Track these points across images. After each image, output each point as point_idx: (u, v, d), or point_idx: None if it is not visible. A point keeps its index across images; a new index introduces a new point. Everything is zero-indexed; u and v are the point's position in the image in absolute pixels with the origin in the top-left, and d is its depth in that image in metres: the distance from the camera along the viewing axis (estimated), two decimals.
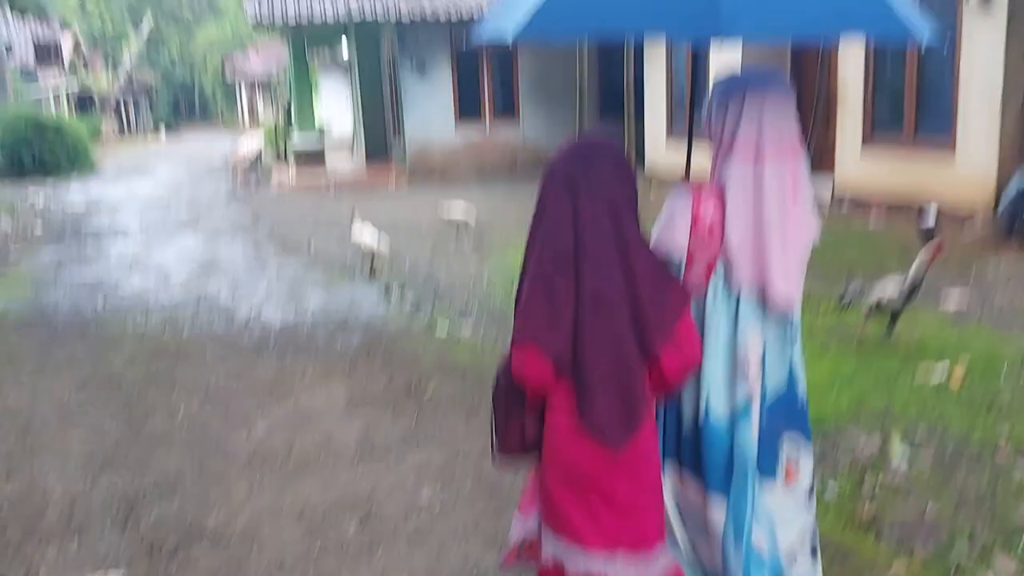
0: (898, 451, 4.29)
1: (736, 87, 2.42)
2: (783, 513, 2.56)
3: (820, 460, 4.06)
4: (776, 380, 2.52)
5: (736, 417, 2.48)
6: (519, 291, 2.30)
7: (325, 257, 10.37)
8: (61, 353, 6.74)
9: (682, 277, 2.44)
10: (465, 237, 10.95)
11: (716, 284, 2.44)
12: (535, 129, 19.27)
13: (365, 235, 9.23)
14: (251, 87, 54.54)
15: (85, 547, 3.81)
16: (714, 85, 2.51)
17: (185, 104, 59.52)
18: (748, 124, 2.36)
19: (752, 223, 2.37)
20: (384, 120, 22.00)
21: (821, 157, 13.00)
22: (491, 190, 16.36)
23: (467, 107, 19.14)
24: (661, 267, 2.29)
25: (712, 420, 2.49)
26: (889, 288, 5.77)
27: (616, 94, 19.25)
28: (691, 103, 3.87)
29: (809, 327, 5.62)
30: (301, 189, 18.17)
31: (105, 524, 4.01)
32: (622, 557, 2.29)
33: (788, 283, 2.40)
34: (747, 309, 2.43)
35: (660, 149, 15.75)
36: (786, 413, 2.54)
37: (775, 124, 2.36)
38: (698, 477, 2.58)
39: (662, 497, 2.42)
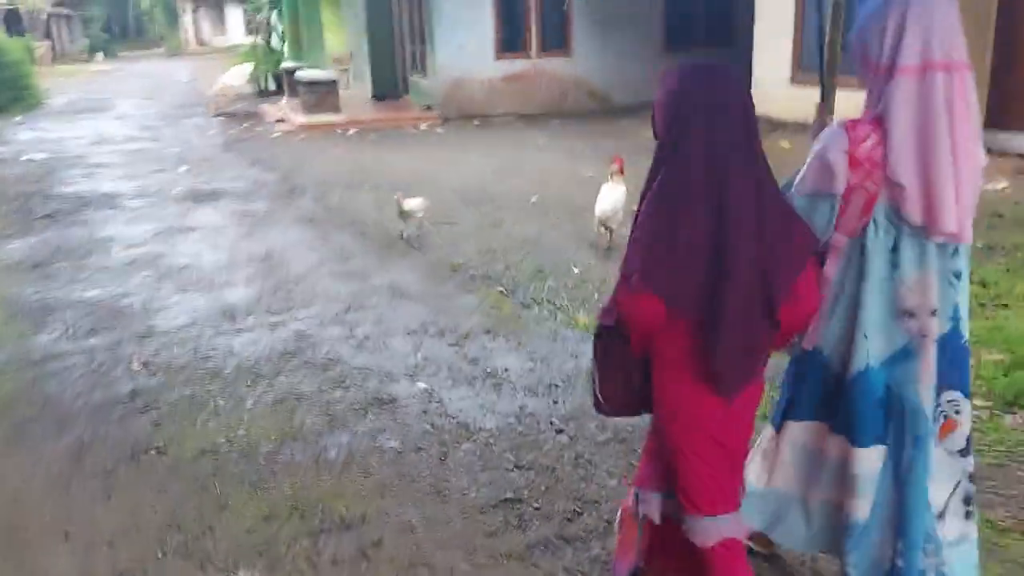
0: None
1: (893, 3, 2.04)
2: (933, 470, 2.23)
3: None
4: (940, 323, 2.15)
5: (895, 361, 2.16)
6: (637, 226, 2.05)
7: (438, 255, 6.87)
8: (111, 520, 3.28)
9: (835, 220, 2.15)
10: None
11: (876, 219, 2.10)
12: (590, 63, 15.71)
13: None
14: (195, 3, 49.00)
15: None
16: (863, 12, 2.12)
17: (119, 24, 53.19)
18: (913, 36, 2.01)
19: (918, 143, 2.03)
20: (393, 49, 18.10)
21: (1008, 108, 9.92)
22: (553, 136, 12.82)
23: (510, 36, 15.43)
24: (789, 210, 2.06)
25: (868, 367, 2.16)
26: None
27: (686, 21, 15.83)
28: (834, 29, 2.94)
29: None
30: (311, 132, 14.35)
31: None
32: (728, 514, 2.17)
33: (959, 209, 2.05)
34: (910, 244, 2.09)
35: (780, 89, 12.35)
36: (948, 361, 2.16)
37: (944, 34, 2.01)
38: (841, 431, 2.26)
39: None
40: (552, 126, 14.41)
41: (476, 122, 15.08)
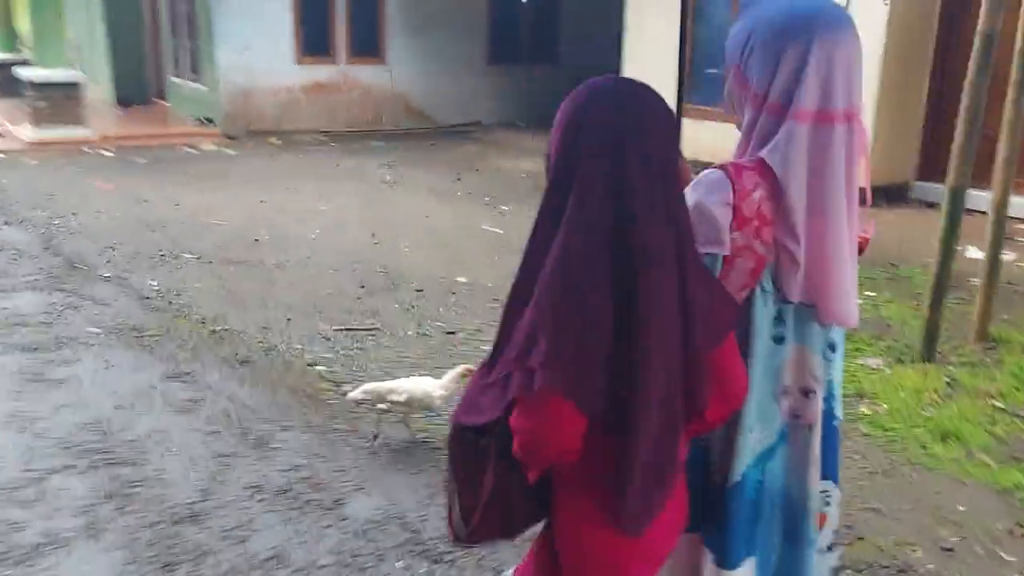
0: None
1: (795, 28, 1.58)
2: (805, 568, 1.80)
3: None
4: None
5: (770, 453, 1.70)
6: (515, 306, 1.39)
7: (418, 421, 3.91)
8: None
9: None
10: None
11: (764, 285, 1.63)
12: (408, 74, 12.87)
13: None
14: None
15: None
16: (745, 24, 1.65)
17: None
18: (813, 81, 1.58)
19: (812, 207, 1.60)
20: (142, 41, 14.04)
21: (941, 160, 8.63)
22: (391, 165, 9.83)
23: (313, 36, 12.18)
24: (707, 271, 1.51)
25: (745, 474, 1.68)
26: None
27: (512, 35, 13.51)
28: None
29: None
30: (47, 153, 10.20)
31: None
32: None
33: (852, 288, 1.69)
34: (793, 313, 1.67)
35: None
36: (823, 449, 1.74)
37: (847, 80, 1.59)
38: (713, 548, 1.74)
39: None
40: (377, 150, 11.41)
41: (276, 142, 11.69)
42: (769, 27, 1.61)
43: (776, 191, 1.59)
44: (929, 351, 4.67)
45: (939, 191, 8.47)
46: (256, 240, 6.84)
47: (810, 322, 1.69)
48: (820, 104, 1.59)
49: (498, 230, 7.34)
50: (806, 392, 1.71)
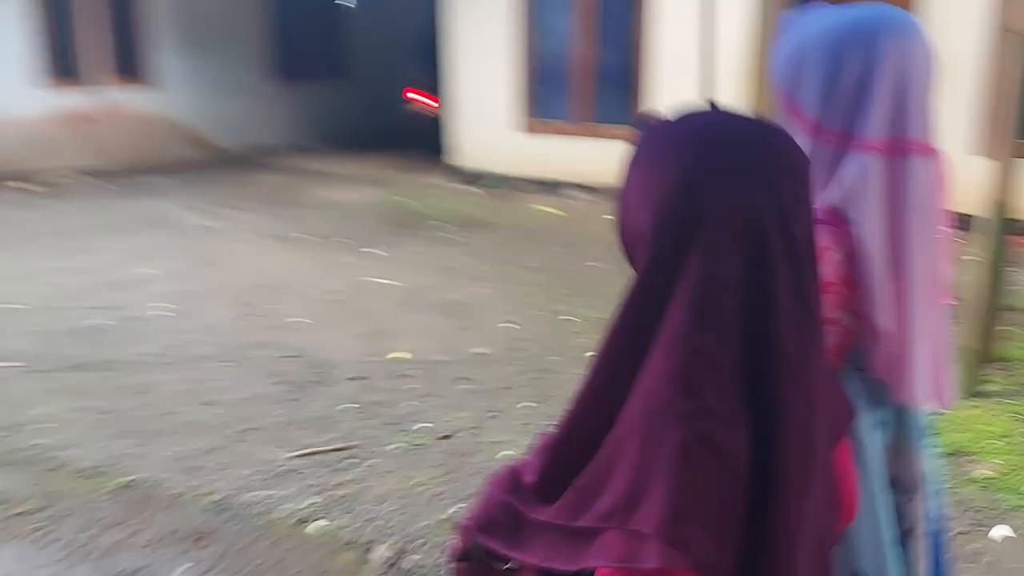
0: None
1: (856, 39, 1.30)
2: None
3: None
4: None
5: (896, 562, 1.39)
6: (589, 425, 0.97)
7: None
8: None
9: None
10: None
11: (857, 367, 1.32)
12: (183, 97, 10.97)
13: None
14: None
15: None
16: (793, 41, 1.35)
17: None
18: (883, 100, 1.27)
19: (889, 259, 1.28)
20: None
21: None
22: (191, 206, 8.09)
23: (59, 58, 9.94)
24: (830, 367, 1.12)
25: None
26: None
27: (296, 47, 12.04)
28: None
29: None
30: None
31: None
32: None
33: (936, 366, 1.34)
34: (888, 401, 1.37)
35: (505, 144, 9.43)
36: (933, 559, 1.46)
37: (924, 100, 1.30)
38: None
39: None
40: (167, 188, 9.47)
41: (27, 186, 9.32)
42: (823, 40, 1.33)
43: (856, 245, 1.29)
44: (980, 385, 4.25)
45: None
46: (91, 327, 5.07)
47: (902, 409, 1.40)
48: (892, 131, 1.30)
49: (392, 281, 6.10)
50: (907, 489, 1.42)
